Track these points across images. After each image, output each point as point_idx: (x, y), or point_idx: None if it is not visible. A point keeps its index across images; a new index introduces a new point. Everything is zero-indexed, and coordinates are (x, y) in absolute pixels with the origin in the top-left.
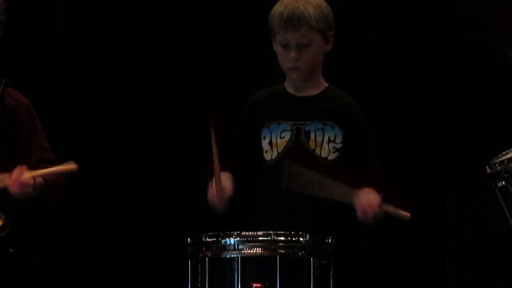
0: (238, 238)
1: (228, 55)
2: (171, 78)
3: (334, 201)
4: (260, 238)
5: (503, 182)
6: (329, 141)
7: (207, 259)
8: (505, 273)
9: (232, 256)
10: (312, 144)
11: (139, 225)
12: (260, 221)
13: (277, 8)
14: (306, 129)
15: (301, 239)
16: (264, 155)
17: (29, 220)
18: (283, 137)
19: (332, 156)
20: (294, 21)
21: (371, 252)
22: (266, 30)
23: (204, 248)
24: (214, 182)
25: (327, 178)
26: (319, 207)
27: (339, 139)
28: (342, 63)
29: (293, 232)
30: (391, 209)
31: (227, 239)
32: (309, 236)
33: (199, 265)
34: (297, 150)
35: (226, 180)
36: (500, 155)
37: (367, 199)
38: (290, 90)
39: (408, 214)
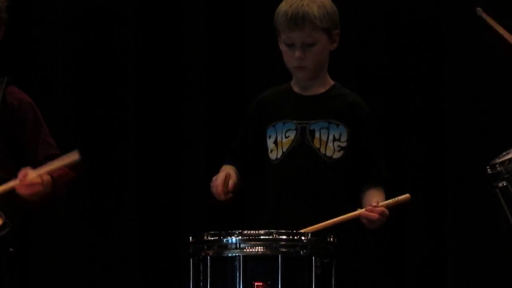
0: (240, 237)
1: (230, 55)
2: (173, 77)
3: (341, 200)
4: (262, 237)
5: (504, 183)
6: (334, 139)
7: (209, 257)
8: (507, 273)
9: (234, 254)
10: (316, 143)
11: (141, 224)
12: (266, 220)
13: (282, 7)
14: (311, 128)
15: (302, 237)
16: (269, 154)
17: (30, 219)
18: (288, 136)
19: (337, 155)
20: (298, 20)
21: (373, 251)
22: (268, 29)
23: (206, 247)
24: (220, 175)
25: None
26: (324, 207)
27: (344, 138)
28: (344, 62)
29: (294, 231)
30: (390, 202)
31: (229, 238)
32: (310, 235)
33: (201, 263)
34: (302, 149)
35: (230, 169)
36: (500, 155)
37: (366, 208)
38: (296, 89)
39: (408, 196)
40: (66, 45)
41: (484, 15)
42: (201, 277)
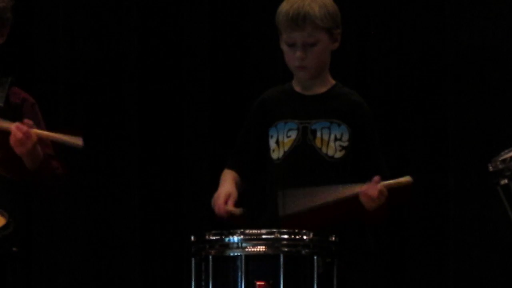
0: (242, 236)
1: (233, 55)
2: (175, 77)
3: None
4: (263, 236)
5: (506, 180)
6: (336, 139)
7: (210, 257)
8: (509, 272)
9: (236, 254)
10: (318, 143)
11: (143, 223)
12: (268, 220)
13: (283, 7)
14: (312, 127)
15: (304, 237)
16: (271, 154)
17: (33, 218)
18: (290, 136)
19: (338, 155)
20: (299, 20)
21: (374, 250)
22: (271, 29)
23: (207, 246)
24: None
25: (325, 186)
26: (325, 206)
27: (345, 137)
28: (346, 61)
29: (296, 230)
30: (391, 182)
31: (231, 237)
32: (312, 234)
33: (203, 263)
34: (303, 149)
35: (231, 185)
36: (502, 153)
37: (364, 190)
38: (298, 88)
39: (409, 178)
40: (69, 45)
41: None
42: (203, 277)
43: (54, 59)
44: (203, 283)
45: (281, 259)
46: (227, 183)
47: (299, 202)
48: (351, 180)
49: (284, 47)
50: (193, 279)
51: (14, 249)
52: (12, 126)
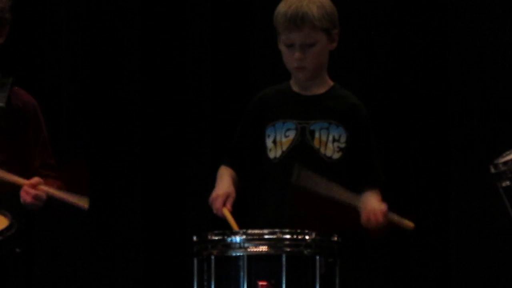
0: (244, 236)
1: (233, 54)
2: (177, 78)
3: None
4: (266, 236)
5: (508, 182)
6: (334, 140)
7: (213, 257)
8: (511, 273)
9: (238, 254)
10: (316, 143)
11: (145, 223)
12: (265, 219)
13: (281, 8)
14: (311, 128)
15: (306, 237)
16: (268, 153)
17: (35, 219)
18: (288, 136)
19: (336, 156)
20: (297, 21)
21: (377, 250)
22: (272, 29)
23: (210, 246)
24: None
25: (334, 183)
26: (324, 206)
27: (343, 139)
28: (346, 62)
29: (299, 230)
30: (395, 217)
31: (233, 237)
32: (315, 234)
33: (205, 263)
34: (302, 149)
35: (228, 183)
36: (504, 154)
37: (372, 207)
38: (296, 88)
39: (412, 225)
40: (71, 46)
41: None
42: (205, 277)
43: (55, 59)
44: (205, 283)
45: (283, 259)
46: (225, 181)
47: (311, 180)
48: (347, 181)
49: (283, 48)
50: (195, 279)
51: (17, 250)
52: (22, 191)
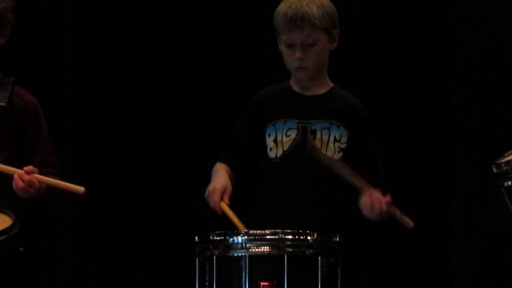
0: (246, 237)
1: (234, 54)
2: (178, 78)
3: (341, 201)
4: (267, 237)
5: (510, 182)
6: (335, 140)
7: (214, 257)
8: None
9: (240, 254)
10: (318, 143)
11: (147, 224)
12: (265, 219)
13: (281, 8)
14: (312, 128)
15: (308, 237)
16: (268, 152)
17: (38, 218)
18: (289, 135)
19: (337, 156)
20: (298, 20)
21: (379, 251)
22: (273, 30)
23: (211, 247)
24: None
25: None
26: (326, 205)
27: (344, 139)
28: (348, 62)
29: (301, 231)
30: (397, 212)
31: (235, 238)
32: (316, 235)
33: (207, 263)
34: (303, 148)
35: (225, 177)
36: (506, 154)
37: (377, 195)
38: (296, 88)
39: (412, 223)
40: (72, 46)
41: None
42: (207, 277)
43: (57, 59)
44: (207, 284)
45: (285, 260)
46: (221, 175)
47: (321, 154)
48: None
49: (283, 48)
50: (197, 280)
51: (21, 249)
52: (15, 175)
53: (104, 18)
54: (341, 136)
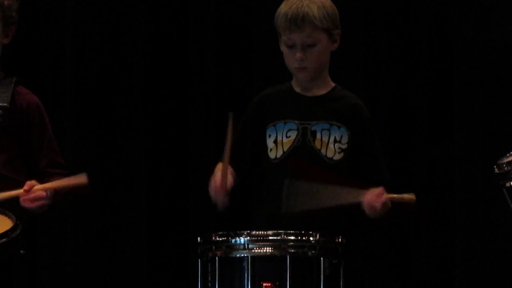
0: (248, 238)
1: (236, 54)
2: (181, 78)
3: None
4: (270, 238)
5: (511, 182)
6: (335, 141)
7: (217, 258)
8: None
9: (242, 255)
10: (318, 144)
11: (149, 225)
12: (266, 220)
13: (282, 9)
14: (313, 128)
15: (311, 238)
16: (269, 153)
17: (40, 221)
18: (289, 136)
19: (337, 157)
20: (298, 21)
21: (381, 251)
22: (273, 29)
23: (214, 248)
24: (217, 174)
25: (330, 185)
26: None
27: (345, 140)
28: (350, 62)
29: (303, 232)
30: (395, 196)
31: (237, 239)
32: (319, 236)
33: (209, 264)
34: (303, 149)
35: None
36: (508, 155)
37: (372, 194)
38: (297, 89)
39: (413, 196)
40: (74, 46)
41: None
42: (209, 278)
43: (60, 59)
44: (209, 284)
45: (288, 261)
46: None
47: (302, 200)
48: (350, 184)
49: (284, 49)
50: (199, 281)
51: (22, 251)
52: (21, 202)
53: (106, 18)
54: (341, 137)
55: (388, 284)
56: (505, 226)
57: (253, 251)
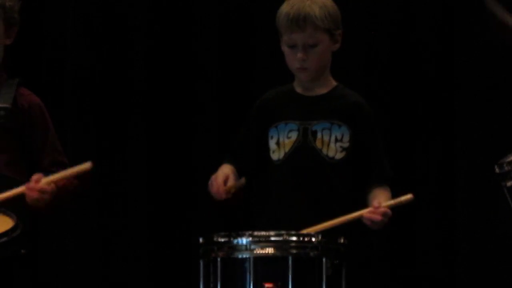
0: (250, 238)
1: (239, 54)
2: (184, 78)
3: (343, 202)
4: (272, 238)
5: None
6: (336, 140)
7: (219, 259)
8: None
9: (244, 256)
10: (319, 144)
11: (151, 225)
12: (268, 221)
13: (284, 9)
14: (313, 128)
15: (313, 239)
16: (271, 155)
17: (41, 220)
18: (290, 137)
19: (339, 156)
20: (300, 21)
21: (383, 252)
22: (274, 30)
23: (216, 248)
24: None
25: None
26: (326, 208)
27: (346, 138)
28: (352, 62)
29: (305, 232)
30: (392, 202)
31: (239, 239)
32: (321, 236)
33: (211, 265)
34: (304, 150)
35: (229, 170)
36: (509, 155)
37: (368, 210)
38: (299, 89)
39: (411, 196)
40: (76, 47)
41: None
42: (211, 279)
43: (61, 59)
44: (211, 285)
45: (290, 261)
46: (224, 168)
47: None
48: (352, 181)
49: (285, 49)
50: (201, 281)
51: (22, 251)
52: (25, 189)
53: (108, 19)
54: (342, 136)
55: (390, 285)
56: (506, 225)
57: (255, 251)
